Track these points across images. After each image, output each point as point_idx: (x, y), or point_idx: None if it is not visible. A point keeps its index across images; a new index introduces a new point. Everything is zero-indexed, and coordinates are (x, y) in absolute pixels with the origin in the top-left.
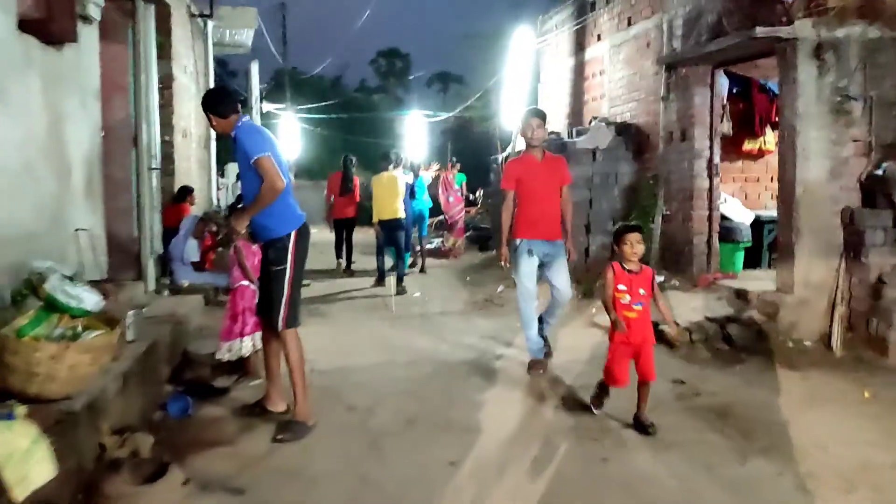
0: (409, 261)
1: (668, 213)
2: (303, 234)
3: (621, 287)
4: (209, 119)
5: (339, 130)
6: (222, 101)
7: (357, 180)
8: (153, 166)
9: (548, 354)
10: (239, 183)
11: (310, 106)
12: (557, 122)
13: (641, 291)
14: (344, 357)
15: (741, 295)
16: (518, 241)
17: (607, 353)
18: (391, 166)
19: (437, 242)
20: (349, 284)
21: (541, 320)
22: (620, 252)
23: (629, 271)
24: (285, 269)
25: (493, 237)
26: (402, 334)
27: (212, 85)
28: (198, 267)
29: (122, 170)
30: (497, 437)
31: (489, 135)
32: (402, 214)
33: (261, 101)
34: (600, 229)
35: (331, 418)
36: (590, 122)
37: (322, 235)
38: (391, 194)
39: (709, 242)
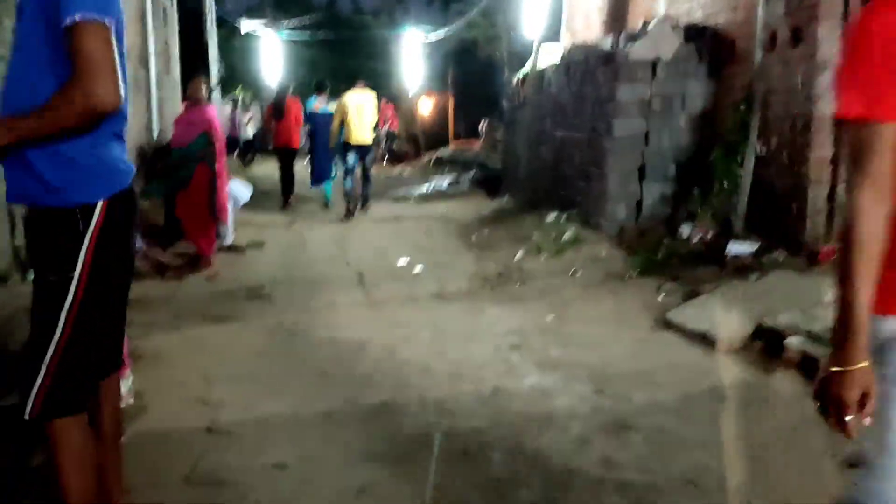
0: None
1: (763, 152)
2: (123, 210)
3: None
4: None
5: (330, 52)
6: None
7: (293, 104)
8: None
9: None
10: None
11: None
12: (591, 29)
13: None
14: (275, 393)
15: None
16: None
17: None
18: (363, 84)
19: None
20: (313, 237)
21: None
22: None
23: None
24: (69, 280)
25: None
26: (378, 338)
27: None
28: None
29: None
30: None
31: (495, 59)
32: (370, 140)
33: (214, 18)
34: (659, 175)
35: None
36: (642, 26)
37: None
38: (365, 116)
39: (831, 197)
